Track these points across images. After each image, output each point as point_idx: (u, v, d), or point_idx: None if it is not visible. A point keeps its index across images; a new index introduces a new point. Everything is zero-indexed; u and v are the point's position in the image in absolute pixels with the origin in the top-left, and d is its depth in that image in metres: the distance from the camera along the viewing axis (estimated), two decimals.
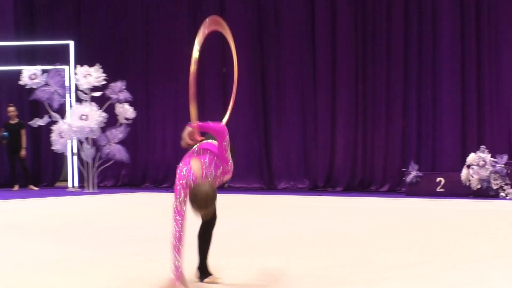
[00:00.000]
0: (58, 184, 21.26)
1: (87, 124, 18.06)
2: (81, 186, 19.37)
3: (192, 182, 5.45)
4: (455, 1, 16.78)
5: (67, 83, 19.06)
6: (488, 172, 15.20)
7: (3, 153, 19.74)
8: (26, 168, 19.66)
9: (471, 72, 16.67)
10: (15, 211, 13.71)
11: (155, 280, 6.12)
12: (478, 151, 15.45)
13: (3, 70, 19.99)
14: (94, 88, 18.49)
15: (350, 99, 17.88)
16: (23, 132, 19.36)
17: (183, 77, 19.85)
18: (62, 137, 18.44)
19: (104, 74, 18.51)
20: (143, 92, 20.12)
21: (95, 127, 18.20)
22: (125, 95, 18.58)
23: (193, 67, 5.98)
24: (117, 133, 18.57)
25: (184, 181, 5.48)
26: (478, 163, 15.25)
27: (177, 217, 5.45)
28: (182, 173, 5.50)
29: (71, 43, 19.82)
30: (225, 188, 18.94)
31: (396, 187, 17.19)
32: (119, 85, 18.54)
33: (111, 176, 20.58)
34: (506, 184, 15.25)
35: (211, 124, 5.69)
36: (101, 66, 18.57)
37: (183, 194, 5.46)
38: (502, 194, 15.20)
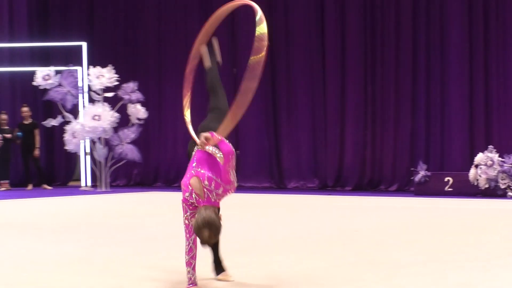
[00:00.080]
0: (71, 183, 21.29)
1: (99, 124, 18.09)
2: (94, 185, 19.40)
3: (195, 202, 5.46)
4: (463, 3, 16.74)
5: (80, 84, 19.10)
6: (496, 171, 15.17)
7: (17, 153, 19.78)
8: (40, 168, 19.70)
9: (479, 73, 16.64)
10: (29, 210, 13.74)
11: (167, 278, 6.13)
12: (486, 151, 15.42)
13: (17, 71, 20.05)
14: (107, 89, 18.52)
15: (359, 100, 17.87)
16: (37, 132, 19.39)
17: (193, 76, 19.89)
18: (75, 137, 18.47)
19: (116, 75, 18.55)
20: (155, 93, 20.14)
21: (108, 127, 18.24)
22: (137, 95, 18.61)
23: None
24: (129, 133, 18.60)
25: (188, 203, 5.50)
26: (486, 163, 15.22)
27: (187, 235, 5.56)
28: (186, 195, 5.49)
29: (84, 45, 19.85)
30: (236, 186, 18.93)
31: (404, 186, 17.17)
32: (131, 85, 18.58)
33: (124, 176, 20.61)
34: None
35: (224, 142, 5.50)
36: (113, 67, 18.60)
37: (189, 211, 5.50)
38: (510, 193, 15.17)
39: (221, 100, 6.35)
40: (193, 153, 5.66)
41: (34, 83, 18.70)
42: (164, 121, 20.17)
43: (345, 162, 18.06)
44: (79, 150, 19.16)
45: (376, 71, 17.71)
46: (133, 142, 18.70)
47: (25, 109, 19.45)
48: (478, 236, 8.92)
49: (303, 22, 18.52)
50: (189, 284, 5.60)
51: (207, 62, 6.53)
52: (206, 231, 5.26)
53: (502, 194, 15.15)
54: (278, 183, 18.88)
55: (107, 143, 18.64)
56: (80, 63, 19.54)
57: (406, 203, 14.09)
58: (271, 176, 19.02)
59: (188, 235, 5.55)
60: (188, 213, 5.50)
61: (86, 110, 18.49)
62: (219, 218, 5.36)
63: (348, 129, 18.01)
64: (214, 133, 5.51)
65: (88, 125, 18.09)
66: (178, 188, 18.65)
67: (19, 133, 19.20)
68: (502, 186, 15.19)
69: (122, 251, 7.84)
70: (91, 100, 18.81)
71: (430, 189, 15.84)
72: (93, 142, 18.76)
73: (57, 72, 18.75)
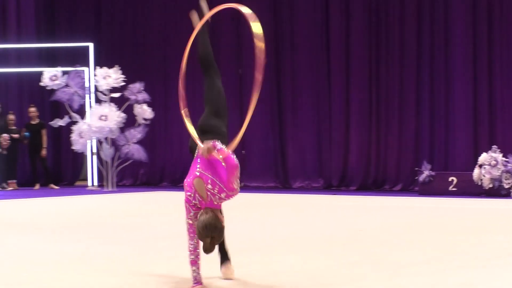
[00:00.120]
0: (78, 183, 21.31)
1: (106, 124, 18.11)
2: (101, 185, 19.43)
3: (198, 203, 5.46)
4: (467, 3, 16.72)
5: (87, 84, 19.12)
6: (499, 171, 15.15)
7: (24, 153, 19.81)
8: (47, 168, 19.73)
9: (483, 73, 16.62)
10: (36, 209, 13.76)
11: (172, 277, 6.14)
12: (490, 151, 15.40)
13: (25, 72, 20.08)
14: (113, 89, 18.54)
15: (364, 100, 17.86)
16: (44, 132, 19.43)
17: (199, 77, 19.92)
18: (82, 137, 18.50)
19: (123, 76, 18.57)
20: (161, 93, 20.15)
21: (114, 127, 18.26)
22: (143, 96, 18.63)
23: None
24: (136, 133, 18.62)
25: (191, 203, 5.50)
26: (490, 163, 15.20)
27: (191, 234, 5.56)
28: (189, 196, 5.49)
29: (91, 45, 19.87)
30: (240, 187, 18.94)
31: (409, 186, 17.16)
32: (137, 86, 18.59)
33: (130, 175, 20.63)
34: None
35: (230, 156, 5.43)
36: (120, 68, 18.62)
37: (192, 211, 5.51)
38: None
39: (215, 85, 6.22)
40: (196, 151, 5.65)
41: (41, 84, 18.74)
42: (170, 121, 20.18)
43: (349, 162, 18.05)
44: (86, 150, 19.19)
45: (380, 71, 17.70)
46: (140, 142, 18.72)
47: (32, 109, 19.49)
48: (482, 235, 8.91)
49: (308, 23, 18.51)
50: (194, 283, 5.59)
51: (197, 21, 6.38)
52: (208, 238, 5.28)
53: (506, 194, 15.12)
54: (283, 182, 18.88)
55: (114, 143, 18.66)
56: (87, 64, 19.57)
57: (410, 203, 14.08)
58: (276, 176, 19.02)
59: (192, 235, 5.55)
60: (191, 213, 5.51)
61: (93, 111, 18.52)
62: (220, 221, 5.36)
63: (353, 129, 18.00)
64: (219, 144, 5.47)
65: (95, 125, 18.12)
66: (183, 188, 18.67)
67: (27, 133, 19.24)
68: (506, 186, 15.17)
69: (128, 250, 7.85)
70: (98, 101, 18.83)
71: (434, 189, 15.83)
72: (99, 142, 18.79)
73: (64, 72, 18.78)
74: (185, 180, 5.56)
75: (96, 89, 18.84)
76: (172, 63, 20.02)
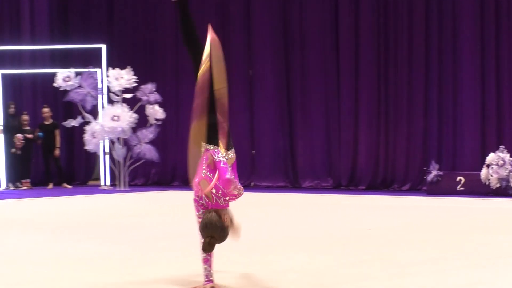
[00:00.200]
0: (90, 182, 21.35)
1: (118, 124, 18.14)
2: (113, 184, 19.46)
3: (205, 203, 5.45)
4: (475, 4, 16.68)
5: (99, 85, 19.15)
6: (507, 171, 15.10)
7: (38, 153, 19.85)
8: (60, 167, 19.77)
9: (491, 73, 16.56)
10: (49, 208, 13.79)
11: (183, 275, 6.14)
12: (497, 151, 15.36)
13: (38, 73, 20.14)
14: (126, 90, 18.57)
15: (372, 100, 17.83)
16: (57, 132, 19.47)
17: None
18: (94, 137, 18.53)
19: (135, 77, 18.60)
20: (172, 94, 20.16)
21: (127, 128, 18.29)
22: (155, 96, 18.65)
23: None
24: (148, 133, 18.63)
25: (199, 203, 5.48)
26: (498, 163, 15.16)
27: None
28: (197, 196, 5.48)
29: (103, 47, 19.91)
30: (251, 186, 18.97)
31: (417, 185, 17.12)
32: (149, 87, 18.61)
33: (142, 175, 20.65)
34: None
35: (223, 171, 5.30)
36: (132, 69, 18.65)
37: (201, 210, 5.50)
38: None
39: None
40: (202, 150, 5.56)
41: (55, 85, 18.79)
42: (181, 122, 20.17)
43: (358, 161, 18.03)
44: (99, 150, 19.21)
45: (389, 72, 17.67)
46: (151, 142, 18.74)
47: (46, 110, 19.53)
48: (489, 235, 8.88)
49: (317, 24, 18.49)
50: (205, 281, 5.59)
51: None
52: (208, 238, 5.29)
53: None
54: (293, 182, 18.86)
55: (126, 143, 18.69)
56: (99, 65, 19.60)
57: (418, 202, 14.05)
58: (286, 176, 19.01)
59: None
60: (200, 212, 5.50)
61: (106, 111, 18.54)
62: (222, 220, 5.35)
63: (362, 129, 17.98)
64: (218, 156, 5.38)
65: (107, 125, 18.15)
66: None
67: (40, 133, 19.28)
68: None
69: (138, 249, 7.85)
70: (110, 101, 18.86)
71: (442, 188, 15.79)
72: (112, 142, 18.81)
73: (77, 73, 18.82)
74: (193, 179, 5.54)
75: (109, 90, 18.87)
76: (183, 65, 20.03)
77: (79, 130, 19.28)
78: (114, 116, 18.20)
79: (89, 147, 18.75)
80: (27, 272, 6.53)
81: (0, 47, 19.73)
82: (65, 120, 19.13)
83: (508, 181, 15.11)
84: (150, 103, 18.63)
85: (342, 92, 18.21)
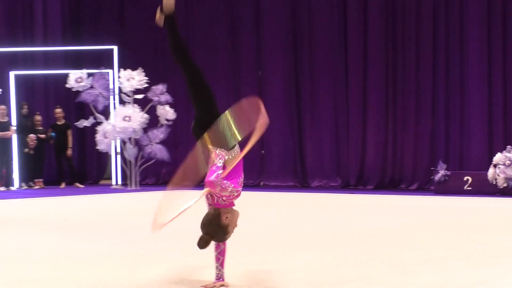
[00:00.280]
0: (102, 182, 21.39)
1: (130, 125, 18.16)
2: (124, 184, 19.47)
3: (210, 201, 5.46)
4: (482, 6, 16.63)
5: (111, 86, 19.18)
6: None
7: (50, 153, 19.89)
8: (72, 167, 19.80)
9: (498, 73, 16.52)
10: (62, 207, 13.81)
11: (193, 274, 6.14)
12: (504, 151, 15.31)
13: (51, 74, 20.17)
14: (137, 91, 18.59)
15: (380, 101, 17.81)
16: (70, 133, 19.50)
17: (221, 79, 19.99)
18: (106, 137, 18.55)
19: (146, 78, 18.61)
20: (183, 94, 20.13)
21: (138, 128, 18.30)
22: (166, 97, 18.66)
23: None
24: (159, 134, 18.65)
25: (208, 201, 5.49)
26: (505, 163, 15.11)
27: None
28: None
29: (115, 48, 19.94)
30: (260, 186, 18.98)
31: (425, 185, 17.09)
32: (160, 87, 18.63)
33: (153, 175, 20.66)
34: None
35: (209, 175, 5.26)
36: (143, 70, 18.67)
37: (208, 208, 5.51)
38: None
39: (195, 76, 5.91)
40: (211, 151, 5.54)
41: (67, 86, 18.83)
42: (191, 122, 20.15)
43: (367, 161, 18.01)
44: (110, 150, 19.24)
45: (397, 73, 17.64)
46: (162, 142, 18.75)
47: (58, 110, 19.56)
48: (496, 234, 8.85)
49: (326, 25, 18.47)
50: (216, 279, 5.59)
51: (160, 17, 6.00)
52: (203, 234, 5.34)
53: None
54: (302, 182, 18.85)
55: (137, 143, 18.71)
56: (111, 66, 19.63)
57: (426, 202, 14.02)
58: (295, 175, 19.00)
59: None
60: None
61: (117, 112, 18.57)
62: (220, 219, 5.34)
63: (370, 129, 17.95)
64: (217, 160, 5.35)
65: (119, 125, 18.17)
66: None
67: (53, 134, 19.32)
68: None
69: (150, 247, 7.85)
70: (122, 102, 18.88)
71: (449, 188, 15.76)
72: (123, 142, 18.83)
73: (89, 74, 18.85)
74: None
75: (120, 91, 18.89)
76: None
77: (91, 130, 19.32)
78: (126, 116, 18.22)
79: (101, 147, 18.78)
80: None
81: (13, 49, 19.79)
82: (77, 121, 19.16)
83: None
84: (161, 103, 18.64)
85: (350, 92, 18.20)
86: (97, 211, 12.81)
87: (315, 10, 18.62)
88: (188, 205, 5.23)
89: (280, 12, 19.09)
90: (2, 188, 18.52)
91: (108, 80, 19.15)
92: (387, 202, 14.05)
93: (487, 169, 15.43)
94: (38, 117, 19.45)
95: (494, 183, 15.23)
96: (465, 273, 6.11)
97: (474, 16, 16.73)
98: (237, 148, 5.54)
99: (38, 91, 20.85)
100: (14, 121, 19.22)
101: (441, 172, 15.93)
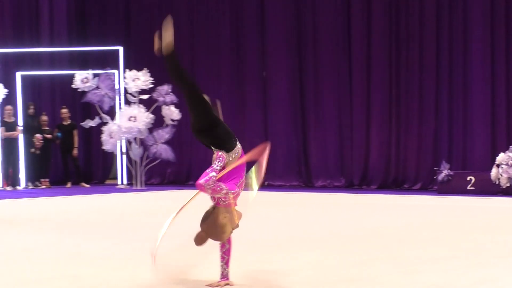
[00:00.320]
0: (108, 181, 21.39)
1: (135, 125, 18.17)
2: (130, 183, 19.48)
3: (213, 201, 5.52)
4: (485, 7, 16.61)
5: (116, 87, 19.18)
6: None
7: (57, 153, 19.90)
8: (78, 167, 19.81)
9: (501, 74, 16.51)
10: (67, 207, 13.83)
11: (199, 273, 6.14)
12: (507, 151, 15.29)
13: (57, 74, 20.18)
14: (142, 91, 18.59)
15: (384, 101, 17.80)
16: (76, 133, 19.51)
17: (225, 80, 20.00)
18: (112, 137, 18.56)
19: (151, 78, 18.61)
20: None
21: (143, 128, 18.31)
22: (171, 97, 18.66)
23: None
24: (164, 134, 18.66)
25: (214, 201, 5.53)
26: (507, 163, 15.10)
27: None
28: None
29: (121, 49, 19.94)
30: (265, 185, 18.98)
31: (428, 185, 17.08)
32: (165, 88, 18.62)
33: (158, 174, 20.67)
34: None
35: (200, 177, 5.44)
36: (148, 71, 18.67)
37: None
38: None
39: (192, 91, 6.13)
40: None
41: (73, 86, 18.84)
42: None
43: (370, 161, 18.00)
44: (116, 149, 19.26)
45: (400, 73, 17.63)
46: (167, 142, 18.76)
47: (64, 110, 19.58)
48: (499, 233, 8.85)
49: (330, 26, 18.46)
50: (221, 278, 5.60)
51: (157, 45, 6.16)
52: (200, 231, 5.40)
53: None
54: (306, 181, 18.85)
55: (142, 143, 18.72)
56: (116, 67, 19.63)
57: (429, 202, 14.01)
58: (299, 175, 19.00)
59: None
60: None
61: (123, 112, 18.58)
62: (217, 218, 5.36)
63: (374, 129, 17.95)
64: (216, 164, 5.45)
65: (124, 126, 18.18)
66: None
67: (59, 134, 19.33)
68: None
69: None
70: (127, 102, 18.89)
71: (452, 188, 15.74)
72: (129, 142, 18.84)
73: (95, 75, 18.86)
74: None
75: (126, 91, 18.89)
76: (198, 66, 20.07)
77: (97, 131, 19.33)
78: (131, 116, 18.23)
79: (106, 147, 18.79)
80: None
81: (20, 50, 19.80)
82: (83, 121, 19.17)
83: None
84: (166, 104, 18.64)
85: (354, 93, 18.19)
86: (102, 210, 12.82)
87: (319, 10, 18.61)
88: (176, 212, 5.34)
89: (284, 12, 19.09)
90: (9, 188, 18.55)
91: (114, 81, 19.16)
92: (390, 202, 14.04)
93: (490, 169, 15.41)
94: (44, 117, 19.47)
95: (497, 183, 15.21)
96: (467, 273, 6.11)
97: (477, 17, 16.72)
98: (238, 148, 5.53)
99: (44, 92, 20.86)
100: (20, 121, 19.23)
101: (444, 172, 15.91)
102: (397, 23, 17.64)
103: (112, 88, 18.98)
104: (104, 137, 18.59)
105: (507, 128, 16.44)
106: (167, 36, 5.61)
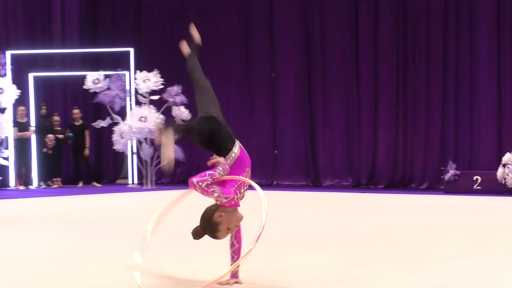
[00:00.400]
0: (119, 181, 21.42)
1: (146, 125, 18.18)
2: (140, 183, 19.51)
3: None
4: (492, 8, 16.56)
5: (127, 87, 19.21)
6: None
7: (68, 152, 19.95)
8: (90, 166, 19.84)
9: (507, 74, 16.45)
10: (79, 206, 13.85)
11: (207, 272, 6.13)
12: None
13: (69, 76, 20.23)
14: (153, 92, 18.60)
15: (391, 102, 17.76)
16: (87, 133, 19.55)
17: (234, 81, 20.00)
18: (122, 138, 18.59)
19: (161, 79, 18.63)
20: None
21: (154, 128, 18.32)
22: (181, 98, 18.67)
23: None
24: None
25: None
26: None
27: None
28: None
29: (131, 50, 19.98)
30: (273, 185, 18.97)
31: (435, 184, 17.03)
32: (175, 89, 18.64)
33: (168, 174, 20.67)
34: None
35: (197, 176, 5.49)
36: (159, 72, 18.69)
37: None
38: None
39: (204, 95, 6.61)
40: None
41: (85, 87, 18.86)
42: None
43: (378, 161, 17.97)
44: (127, 149, 19.27)
45: (407, 74, 17.59)
46: (177, 142, 18.71)
47: (76, 111, 19.62)
48: (505, 233, 8.81)
49: (338, 28, 18.43)
50: (230, 277, 5.60)
51: (186, 49, 6.63)
52: (198, 226, 5.44)
53: None
54: (314, 181, 18.83)
55: (153, 143, 18.73)
56: (127, 68, 19.67)
57: (436, 201, 13.98)
58: (307, 175, 18.98)
59: (232, 232, 5.57)
60: None
61: (133, 112, 18.60)
62: (213, 215, 5.38)
63: (381, 129, 17.91)
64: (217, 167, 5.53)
65: (135, 126, 18.19)
66: None
67: (70, 134, 19.37)
68: None
69: (166, 245, 7.85)
70: (138, 103, 18.90)
71: (459, 187, 15.70)
72: (139, 142, 18.86)
73: (106, 76, 18.89)
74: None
75: (136, 92, 18.91)
76: (208, 67, 20.02)
77: (108, 131, 19.35)
78: (142, 117, 18.24)
79: (117, 147, 18.82)
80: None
81: (32, 51, 19.83)
82: (94, 121, 19.21)
83: None
84: (176, 104, 18.65)
85: (362, 93, 18.16)
86: (113, 209, 12.83)
87: (327, 12, 18.59)
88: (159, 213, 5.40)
89: (293, 16, 19.07)
90: (21, 187, 18.60)
91: (125, 82, 19.19)
92: (397, 201, 14.01)
93: (496, 169, 15.36)
94: (56, 118, 19.51)
95: (503, 182, 15.16)
96: (473, 272, 6.08)
97: (484, 17, 16.67)
98: (235, 149, 5.51)
99: (56, 93, 20.91)
100: (33, 122, 19.28)
101: (451, 172, 15.87)
102: (404, 24, 17.60)
103: (123, 89, 19.00)
104: (115, 137, 18.61)
105: None
106: (167, 152, 5.63)
